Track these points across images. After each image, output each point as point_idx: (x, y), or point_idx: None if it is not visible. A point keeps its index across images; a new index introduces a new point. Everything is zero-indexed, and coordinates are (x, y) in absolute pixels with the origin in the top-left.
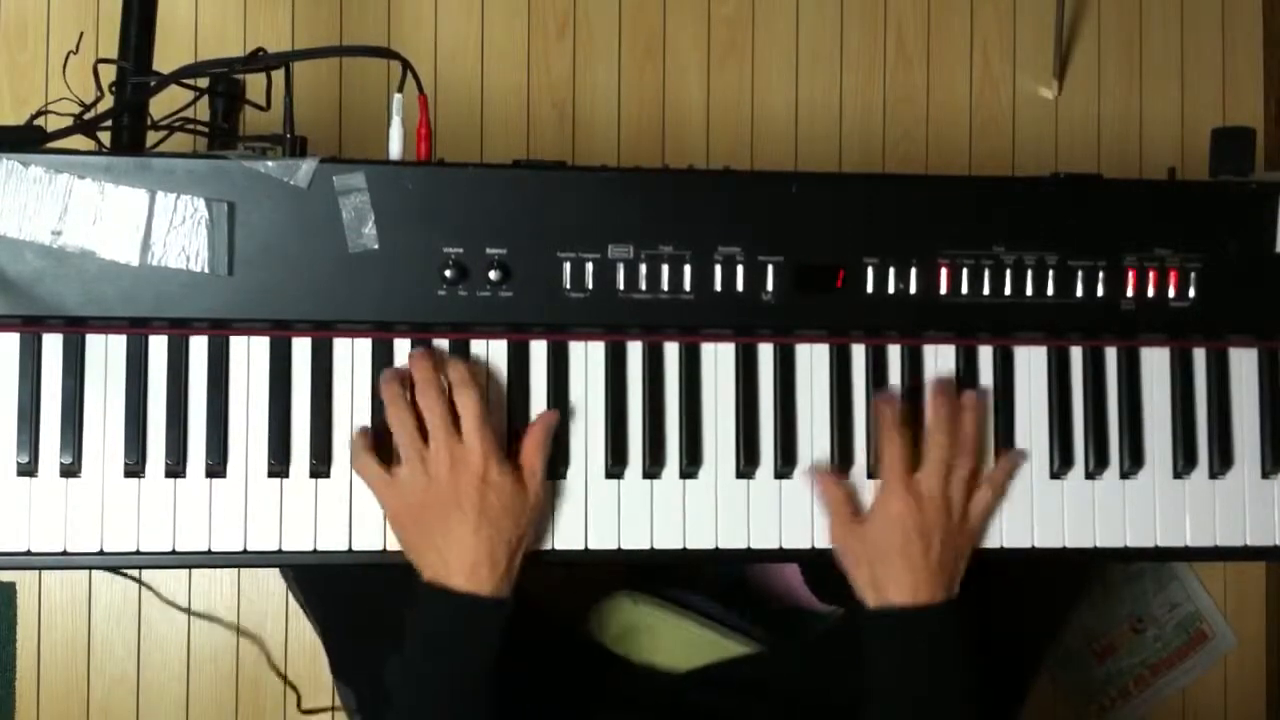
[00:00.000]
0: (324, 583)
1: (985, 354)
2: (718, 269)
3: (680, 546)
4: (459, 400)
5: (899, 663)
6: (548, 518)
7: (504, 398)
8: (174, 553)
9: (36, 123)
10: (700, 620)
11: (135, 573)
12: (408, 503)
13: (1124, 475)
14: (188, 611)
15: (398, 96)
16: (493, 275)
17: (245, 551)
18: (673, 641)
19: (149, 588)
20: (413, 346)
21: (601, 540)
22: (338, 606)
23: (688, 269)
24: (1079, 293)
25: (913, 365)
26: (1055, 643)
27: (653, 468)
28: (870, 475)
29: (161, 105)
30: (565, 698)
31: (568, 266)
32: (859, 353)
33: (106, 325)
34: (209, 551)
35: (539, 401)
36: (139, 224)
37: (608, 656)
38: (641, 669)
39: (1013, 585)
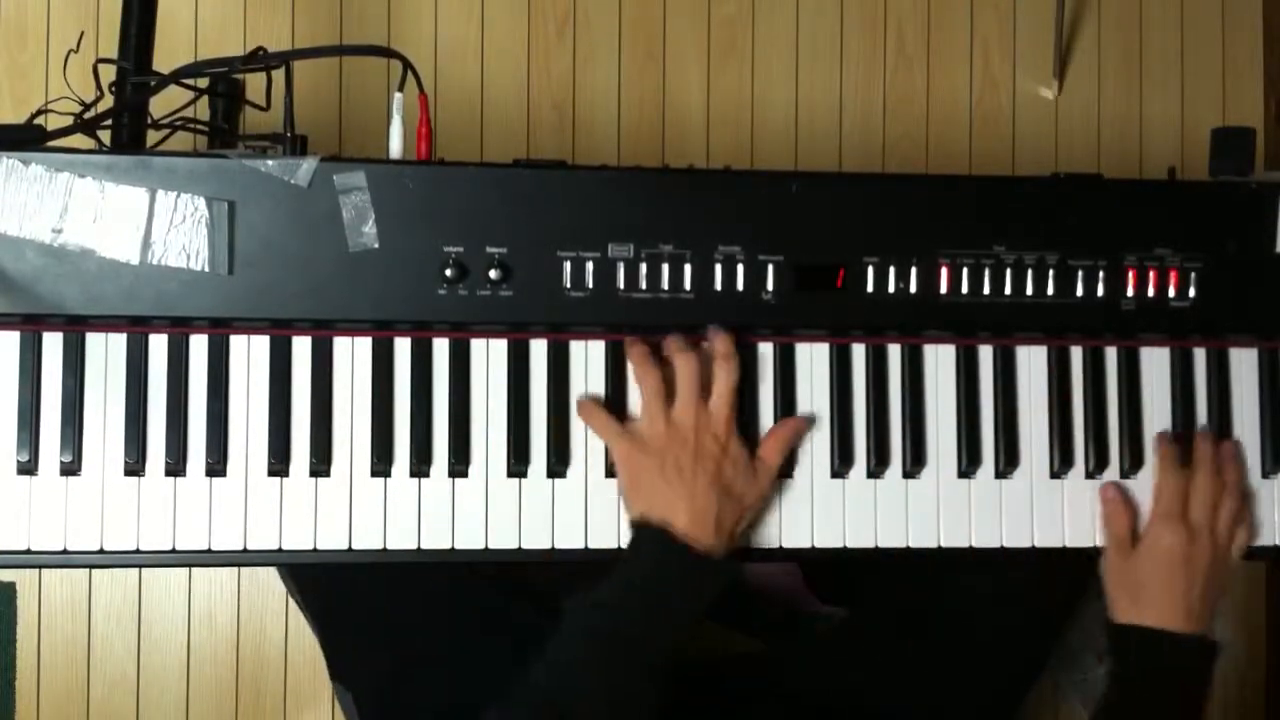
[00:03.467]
0: (322, 583)
1: (985, 354)
2: (718, 268)
3: None
4: (718, 370)
5: (1140, 681)
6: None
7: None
8: (174, 552)
9: (37, 122)
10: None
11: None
12: (644, 450)
13: (1124, 475)
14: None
15: (398, 96)
16: (493, 274)
17: (245, 551)
18: None
19: None
20: (413, 346)
21: (601, 539)
22: (336, 606)
23: (688, 268)
24: (1079, 293)
25: (913, 365)
26: (1057, 641)
27: None
28: (870, 476)
29: (161, 105)
30: None
31: (568, 266)
32: (859, 352)
33: (107, 324)
34: (209, 551)
35: (539, 401)
36: (139, 223)
37: None
38: None
39: (1013, 584)
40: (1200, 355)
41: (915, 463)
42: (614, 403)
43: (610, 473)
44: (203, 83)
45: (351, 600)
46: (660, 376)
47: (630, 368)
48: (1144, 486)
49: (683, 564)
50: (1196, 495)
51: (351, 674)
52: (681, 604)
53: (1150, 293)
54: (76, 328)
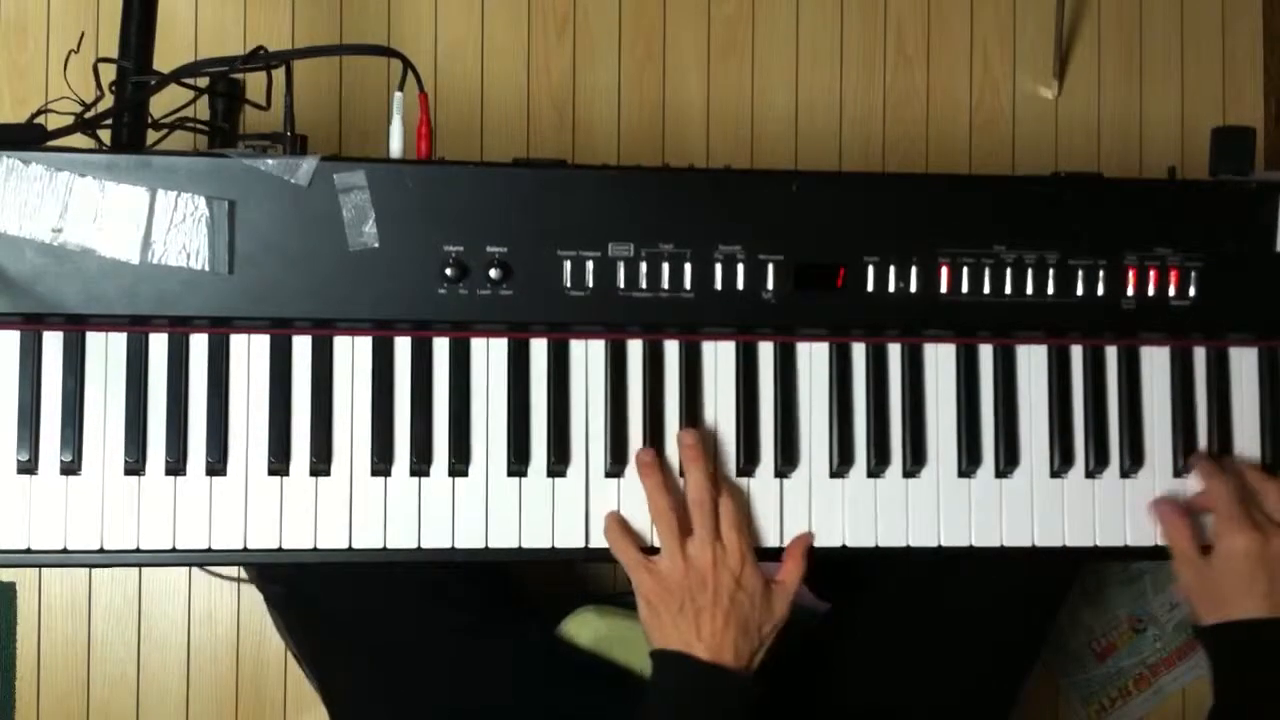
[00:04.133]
0: (319, 630)
1: (986, 353)
2: (718, 268)
3: None
4: (723, 504)
5: (1245, 672)
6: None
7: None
8: (174, 551)
9: (37, 121)
10: None
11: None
12: (664, 587)
13: (1124, 474)
14: (237, 580)
15: (398, 95)
16: (493, 274)
17: (245, 550)
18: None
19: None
20: (413, 345)
21: (601, 539)
22: (332, 655)
23: (688, 268)
24: (1079, 292)
25: (913, 364)
26: (1051, 628)
27: None
28: (870, 475)
29: (161, 104)
30: (551, 704)
31: (568, 265)
32: (859, 352)
33: (107, 323)
34: (209, 550)
35: (539, 400)
36: (139, 222)
37: (593, 664)
38: (627, 676)
39: (1004, 580)
40: (1200, 355)
41: (915, 462)
42: (614, 404)
43: (610, 473)
44: (203, 82)
45: (348, 653)
46: (674, 511)
47: (644, 492)
48: (1145, 485)
49: (704, 683)
50: (1260, 492)
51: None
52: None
53: (1150, 292)
54: (76, 327)
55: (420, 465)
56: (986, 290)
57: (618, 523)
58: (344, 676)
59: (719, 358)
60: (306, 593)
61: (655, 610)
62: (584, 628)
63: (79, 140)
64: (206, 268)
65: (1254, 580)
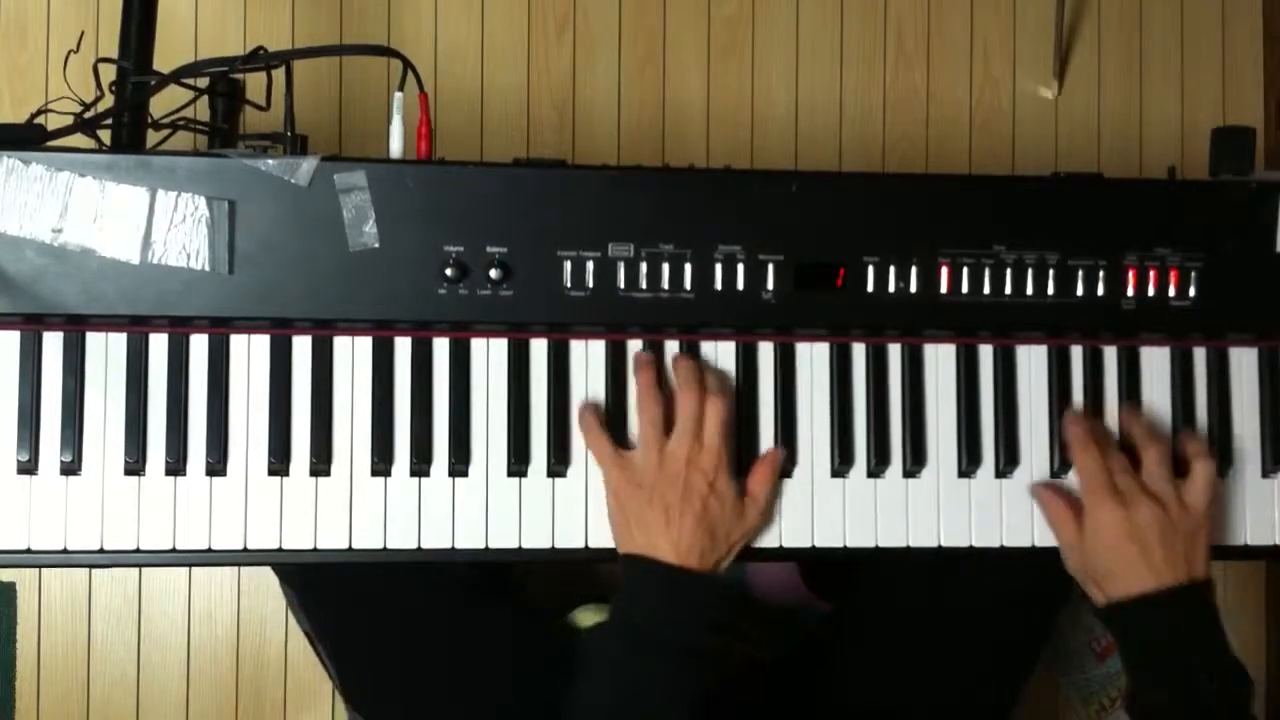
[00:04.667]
0: (334, 611)
1: (985, 353)
2: (718, 268)
3: None
4: (709, 406)
5: (1136, 648)
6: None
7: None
8: (174, 551)
9: (37, 122)
10: None
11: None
12: (635, 484)
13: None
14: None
15: (398, 95)
16: (493, 274)
17: (245, 550)
18: None
19: None
20: (413, 346)
21: (601, 539)
22: (349, 635)
23: (688, 268)
24: (1079, 292)
25: (913, 365)
26: (1052, 629)
27: None
28: (870, 475)
29: (161, 105)
30: (552, 702)
31: (568, 265)
32: (859, 352)
33: (107, 323)
34: (209, 550)
35: (539, 400)
36: (139, 222)
37: None
38: None
39: (1004, 580)
40: (1200, 355)
41: (915, 462)
42: (614, 404)
43: None
44: (203, 82)
45: (365, 630)
46: (661, 409)
47: (633, 391)
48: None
49: (668, 585)
50: (1115, 462)
51: (367, 701)
52: (678, 621)
53: (1150, 292)
54: (77, 327)
55: (420, 465)
56: (986, 290)
57: (594, 416)
58: (350, 675)
59: (719, 358)
60: (311, 592)
61: (622, 506)
62: (582, 627)
63: (79, 140)
64: (206, 268)
65: (1127, 553)
